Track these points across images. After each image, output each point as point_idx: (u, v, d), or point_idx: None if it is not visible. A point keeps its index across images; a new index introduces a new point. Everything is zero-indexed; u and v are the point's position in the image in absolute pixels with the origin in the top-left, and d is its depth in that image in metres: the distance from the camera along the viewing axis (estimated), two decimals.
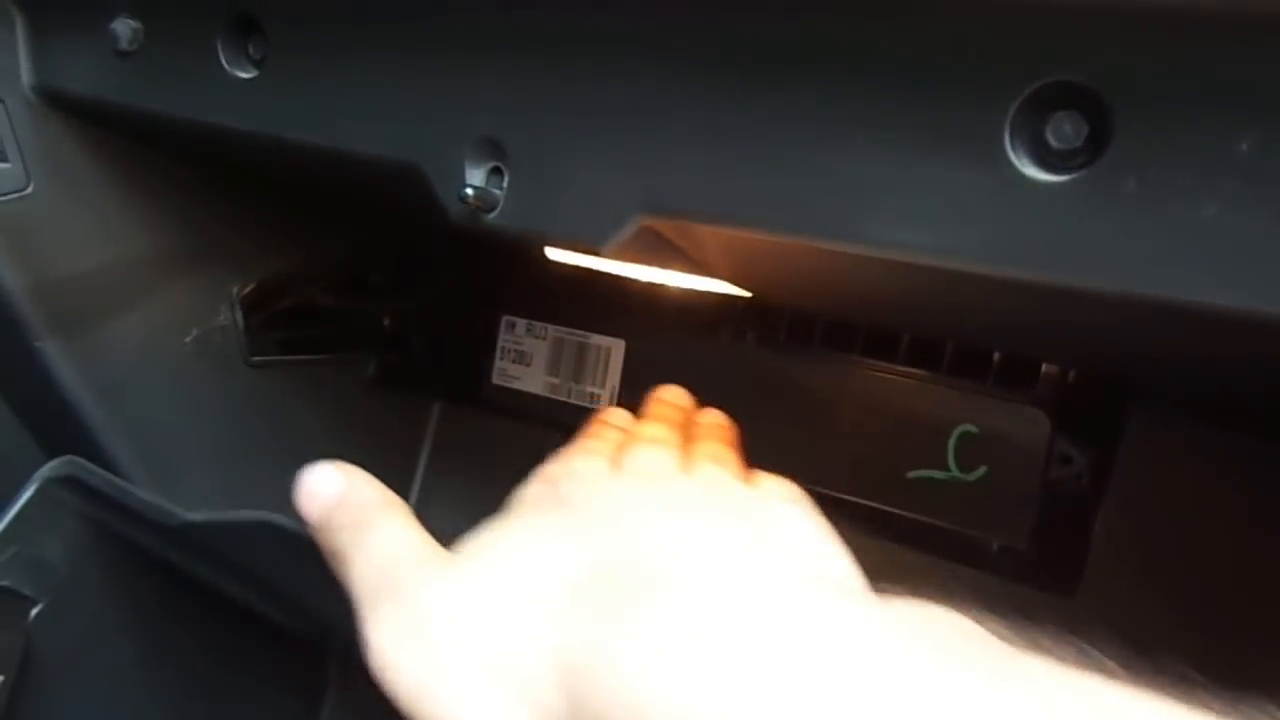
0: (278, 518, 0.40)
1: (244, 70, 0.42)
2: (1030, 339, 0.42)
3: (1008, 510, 0.52)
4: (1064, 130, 0.27)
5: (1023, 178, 0.28)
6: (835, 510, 0.57)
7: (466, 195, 0.36)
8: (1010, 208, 0.28)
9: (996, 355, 0.54)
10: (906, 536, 0.55)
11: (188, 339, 0.55)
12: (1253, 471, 0.45)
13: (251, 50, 0.42)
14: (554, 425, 0.66)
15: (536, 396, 0.66)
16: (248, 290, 0.59)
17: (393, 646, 0.26)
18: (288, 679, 0.63)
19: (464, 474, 0.68)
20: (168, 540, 0.49)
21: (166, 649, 0.56)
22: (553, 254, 0.41)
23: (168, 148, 0.52)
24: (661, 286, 0.60)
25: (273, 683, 0.61)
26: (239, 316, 0.58)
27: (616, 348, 0.63)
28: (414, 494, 0.69)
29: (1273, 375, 0.36)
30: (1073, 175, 0.27)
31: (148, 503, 0.44)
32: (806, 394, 0.57)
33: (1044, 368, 0.52)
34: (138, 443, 0.53)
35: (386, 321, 0.70)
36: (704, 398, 0.61)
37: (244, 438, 0.60)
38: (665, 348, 0.62)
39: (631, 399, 0.63)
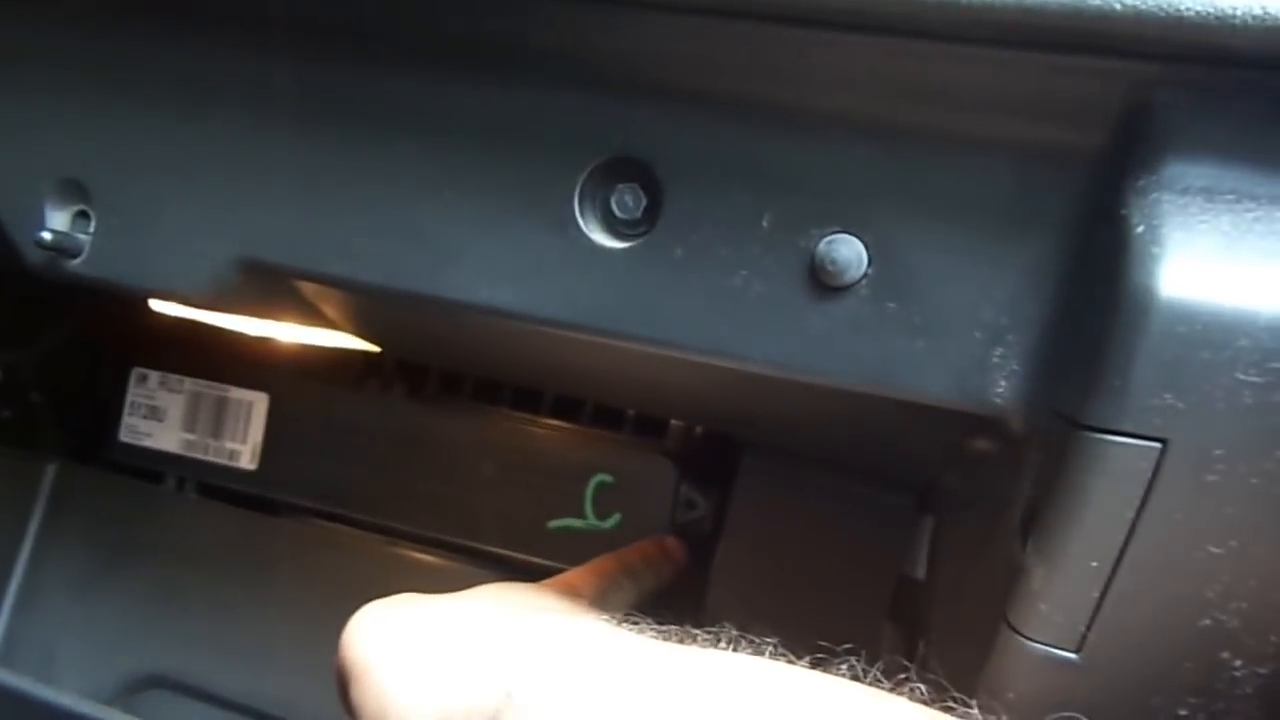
0: None
1: None
2: (634, 395, 0.44)
3: None
4: (626, 201, 0.30)
5: (592, 243, 0.30)
6: (482, 563, 0.58)
7: (43, 239, 0.34)
8: (582, 270, 0.30)
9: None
10: None
11: None
12: (847, 511, 0.50)
13: None
14: (189, 485, 0.63)
15: (170, 454, 0.62)
16: None
17: None
18: None
19: (84, 539, 0.62)
20: None
21: None
22: (156, 304, 0.39)
23: None
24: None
25: None
26: None
27: (260, 401, 0.61)
28: (21, 563, 0.62)
29: (837, 424, 0.41)
30: (634, 242, 0.30)
31: None
32: (454, 447, 0.58)
33: (672, 421, 0.56)
34: None
35: None
36: (350, 452, 0.60)
37: None
38: (311, 400, 0.60)
39: (276, 455, 0.61)
